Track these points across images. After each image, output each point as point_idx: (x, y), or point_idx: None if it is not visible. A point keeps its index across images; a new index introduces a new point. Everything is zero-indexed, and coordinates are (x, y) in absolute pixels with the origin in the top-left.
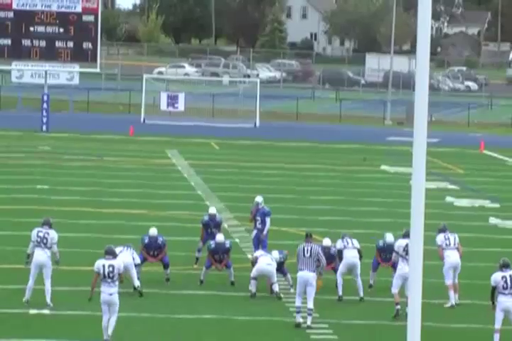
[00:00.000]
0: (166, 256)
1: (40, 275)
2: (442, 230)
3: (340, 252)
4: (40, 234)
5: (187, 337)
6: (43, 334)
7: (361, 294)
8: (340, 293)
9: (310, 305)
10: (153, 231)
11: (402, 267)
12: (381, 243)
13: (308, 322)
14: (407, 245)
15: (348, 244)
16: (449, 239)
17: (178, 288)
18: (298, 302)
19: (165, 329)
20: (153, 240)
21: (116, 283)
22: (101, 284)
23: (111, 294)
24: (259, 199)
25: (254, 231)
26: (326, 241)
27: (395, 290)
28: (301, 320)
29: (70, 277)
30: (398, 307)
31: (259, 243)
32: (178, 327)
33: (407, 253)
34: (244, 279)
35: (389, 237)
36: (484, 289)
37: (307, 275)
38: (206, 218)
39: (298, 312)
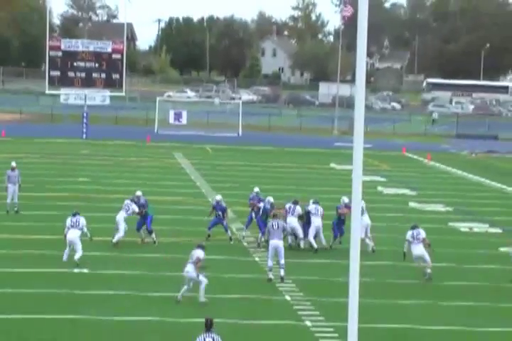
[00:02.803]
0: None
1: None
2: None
3: (308, 213)
4: (73, 220)
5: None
6: (83, 287)
7: (317, 246)
8: (316, 246)
9: (282, 261)
10: (138, 193)
11: (414, 249)
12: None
13: (282, 274)
14: (412, 233)
15: (317, 211)
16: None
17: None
18: (270, 263)
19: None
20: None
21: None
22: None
23: (187, 272)
24: (257, 189)
25: (252, 214)
26: (269, 198)
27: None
28: (272, 277)
29: (103, 245)
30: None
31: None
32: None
33: (414, 239)
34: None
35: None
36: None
37: (277, 243)
38: (214, 203)
39: (270, 270)
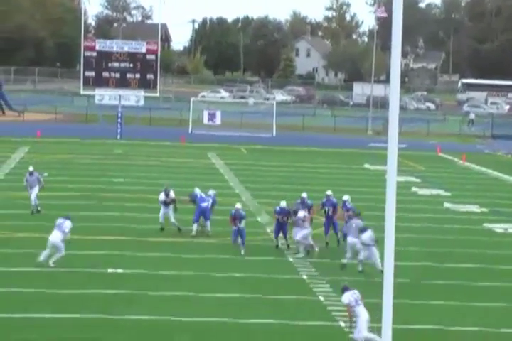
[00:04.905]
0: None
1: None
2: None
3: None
4: (60, 221)
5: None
6: (117, 286)
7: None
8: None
9: (361, 257)
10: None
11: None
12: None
13: (360, 268)
14: (369, 235)
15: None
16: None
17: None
18: (349, 255)
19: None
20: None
21: None
22: None
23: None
24: (239, 205)
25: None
26: (283, 203)
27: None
28: (345, 262)
29: (136, 245)
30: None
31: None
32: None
33: (372, 240)
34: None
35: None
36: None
37: (354, 241)
38: (278, 208)
39: (349, 259)
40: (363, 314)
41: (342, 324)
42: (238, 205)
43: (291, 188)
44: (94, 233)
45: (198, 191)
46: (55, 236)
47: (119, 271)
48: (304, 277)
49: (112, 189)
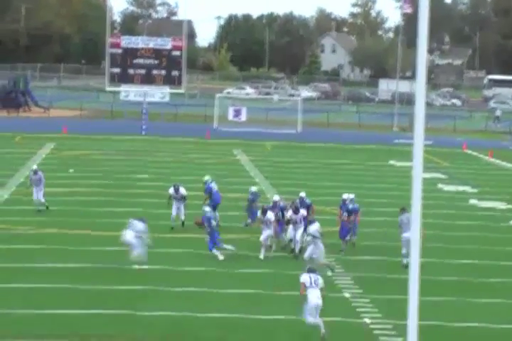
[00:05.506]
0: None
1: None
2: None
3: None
4: (132, 222)
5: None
6: (141, 282)
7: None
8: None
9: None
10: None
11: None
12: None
13: (404, 262)
14: (316, 227)
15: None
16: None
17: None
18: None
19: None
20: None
21: None
22: None
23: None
24: (302, 194)
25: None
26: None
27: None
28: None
29: (158, 241)
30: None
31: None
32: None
33: (318, 233)
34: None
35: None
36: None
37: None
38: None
39: (405, 257)
40: (312, 299)
41: (367, 320)
42: (206, 208)
43: (317, 185)
44: (116, 229)
45: (213, 185)
46: (127, 235)
47: (145, 267)
48: (329, 273)
49: (136, 185)
